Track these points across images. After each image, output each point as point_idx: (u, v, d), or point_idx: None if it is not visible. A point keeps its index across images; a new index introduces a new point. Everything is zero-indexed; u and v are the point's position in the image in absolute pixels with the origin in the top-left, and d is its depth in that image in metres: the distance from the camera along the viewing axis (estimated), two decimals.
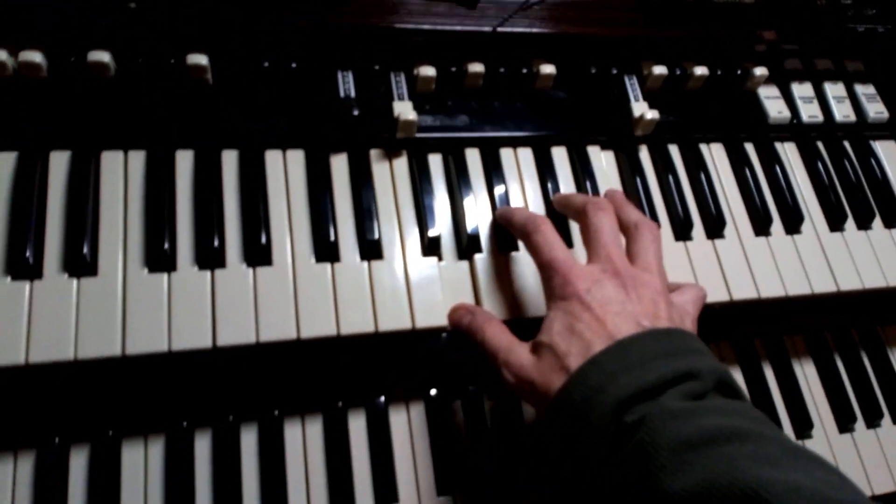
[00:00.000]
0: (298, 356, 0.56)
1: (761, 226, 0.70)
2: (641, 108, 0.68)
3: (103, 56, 0.54)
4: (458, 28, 0.63)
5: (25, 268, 0.50)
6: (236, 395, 0.56)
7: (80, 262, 0.51)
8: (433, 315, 0.57)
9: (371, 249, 0.58)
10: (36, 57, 0.53)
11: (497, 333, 0.53)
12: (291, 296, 0.55)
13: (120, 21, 0.53)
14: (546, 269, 0.53)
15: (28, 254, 0.50)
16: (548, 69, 0.66)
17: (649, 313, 0.49)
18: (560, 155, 0.68)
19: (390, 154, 0.64)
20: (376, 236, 0.59)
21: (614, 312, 0.48)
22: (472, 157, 0.66)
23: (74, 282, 0.51)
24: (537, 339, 0.50)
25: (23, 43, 0.53)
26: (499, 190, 0.64)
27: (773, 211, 0.71)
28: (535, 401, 0.49)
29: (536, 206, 0.65)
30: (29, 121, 0.54)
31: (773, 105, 0.75)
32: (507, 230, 0.61)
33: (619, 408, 0.42)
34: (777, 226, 0.71)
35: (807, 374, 0.71)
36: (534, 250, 0.55)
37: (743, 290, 0.66)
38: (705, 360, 0.46)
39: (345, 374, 0.59)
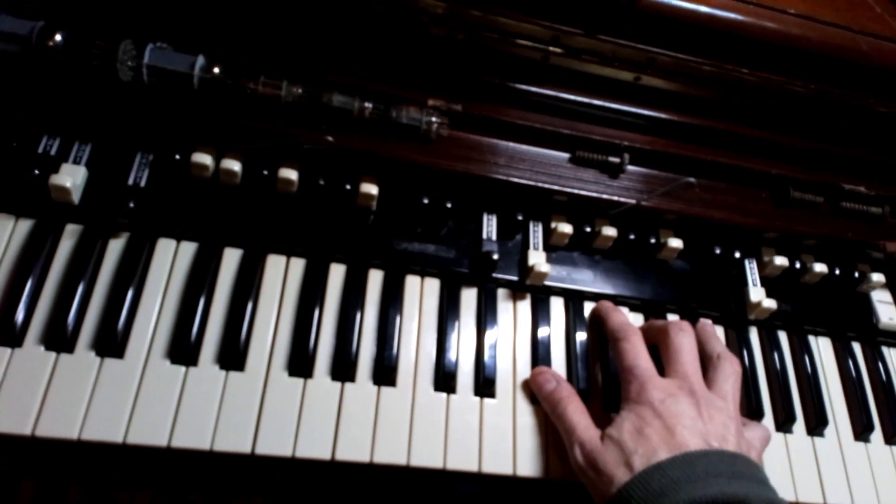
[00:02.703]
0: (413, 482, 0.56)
1: (862, 430, 0.67)
2: (759, 295, 0.67)
3: (292, 174, 0.58)
4: (598, 195, 0.64)
5: (185, 354, 0.52)
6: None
7: (233, 357, 0.53)
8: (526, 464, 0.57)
9: (486, 387, 0.58)
10: (235, 165, 0.57)
11: (578, 411, 0.55)
12: (408, 421, 0.55)
13: (316, 150, 0.57)
14: (626, 374, 0.55)
15: (192, 341, 0.53)
16: (675, 243, 0.66)
17: (718, 435, 0.51)
18: None
19: (515, 295, 0.65)
20: (493, 375, 0.59)
21: (684, 426, 0.50)
22: (589, 309, 0.66)
23: (223, 374, 0.53)
24: (607, 432, 0.52)
25: (225, 150, 0.58)
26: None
27: (874, 416, 0.68)
28: (595, 487, 0.50)
29: None
30: (212, 218, 0.57)
31: (885, 310, 0.73)
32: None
33: None
34: (877, 434, 0.67)
35: None
36: (619, 355, 0.57)
37: (838, 496, 0.63)
38: (763, 489, 0.47)
39: None
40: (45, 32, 0.53)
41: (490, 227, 0.64)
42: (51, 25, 0.53)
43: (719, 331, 0.69)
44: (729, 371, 0.56)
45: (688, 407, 0.51)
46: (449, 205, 0.62)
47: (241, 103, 0.56)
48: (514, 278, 0.64)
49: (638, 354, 0.56)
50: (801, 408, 0.67)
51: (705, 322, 0.64)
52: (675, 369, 0.55)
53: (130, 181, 0.56)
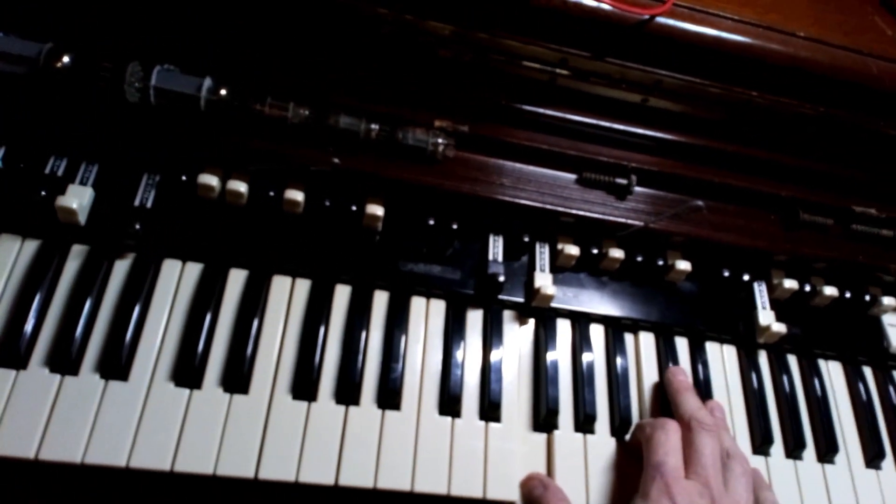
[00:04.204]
0: None
1: (873, 457, 0.66)
2: (768, 318, 0.67)
3: (298, 195, 0.58)
4: (605, 217, 0.64)
5: (189, 377, 0.52)
6: None
7: (237, 380, 0.53)
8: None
9: (491, 411, 0.58)
10: (241, 186, 0.57)
11: None
12: (412, 446, 0.55)
13: (323, 171, 0.57)
14: (652, 470, 0.53)
15: (196, 364, 0.53)
16: (683, 265, 0.66)
17: None
18: (681, 344, 0.67)
19: (521, 317, 0.64)
20: (498, 399, 0.59)
21: None
22: (596, 331, 0.66)
23: (227, 397, 0.53)
24: None
25: (231, 171, 0.58)
26: (620, 368, 0.64)
27: (885, 443, 0.68)
28: None
29: (653, 388, 0.64)
30: (218, 238, 0.57)
31: None
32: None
33: None
34: (889, 461, 0.67)
35: None
36: (650, 445, 0.55)
37: None
38: None
39: None
40: (52, 54, 0.53)
41: (496, 248, 0.64)
42: (59, 47, 0.53)
43: (728, 351, 0.69)
44: (739, 472, 0.55)
45: None
46: (455, 226, 0.62)
47: (247, 125, 0.56)
48: (521, 300, 0.63)
49: (669, 452, 0.54)
50: (811, 434, 0.66)
51: (717, 406, 0.63)
52: (697, 472, 0.54)
53: (137, 202, 0.56)
